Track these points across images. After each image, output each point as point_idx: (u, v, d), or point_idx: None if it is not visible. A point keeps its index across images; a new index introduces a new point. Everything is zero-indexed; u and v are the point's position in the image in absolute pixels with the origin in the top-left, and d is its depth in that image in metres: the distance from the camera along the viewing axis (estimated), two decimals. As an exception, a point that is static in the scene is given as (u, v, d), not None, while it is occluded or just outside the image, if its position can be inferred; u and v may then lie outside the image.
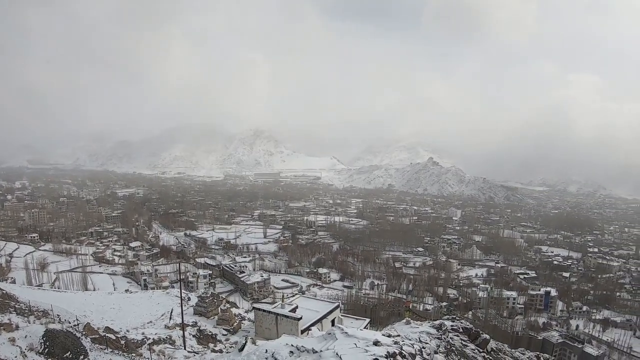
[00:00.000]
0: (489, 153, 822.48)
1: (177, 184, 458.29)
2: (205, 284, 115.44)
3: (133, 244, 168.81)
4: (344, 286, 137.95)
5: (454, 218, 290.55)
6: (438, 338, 27.04)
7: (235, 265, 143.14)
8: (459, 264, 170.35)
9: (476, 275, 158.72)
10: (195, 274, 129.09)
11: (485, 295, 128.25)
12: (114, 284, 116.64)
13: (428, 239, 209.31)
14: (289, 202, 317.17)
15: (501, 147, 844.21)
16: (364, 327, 33.13)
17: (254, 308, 36.69)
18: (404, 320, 29.94)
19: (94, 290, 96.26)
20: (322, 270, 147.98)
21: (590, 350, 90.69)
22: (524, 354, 49.69)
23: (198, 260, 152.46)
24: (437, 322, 31.78)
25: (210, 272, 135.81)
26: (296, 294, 79.25)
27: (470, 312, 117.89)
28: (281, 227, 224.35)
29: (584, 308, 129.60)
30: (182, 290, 38.20)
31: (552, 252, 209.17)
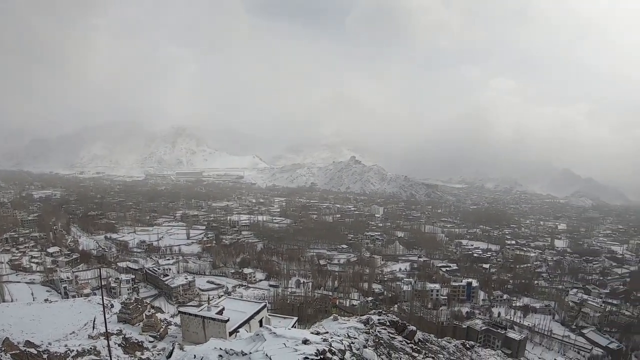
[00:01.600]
0: (411, 152, 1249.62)
1: (97, 185, 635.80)
2: (128, 290, 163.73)
3: (51, 250, 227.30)
4: (270, 285, 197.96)
5: (376, 215, 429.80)
6: (366, 332, 41.51)
7: (159, 269, 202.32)
8: (382, 260, 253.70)
9: (400, 269, 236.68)
10: (118, 279, 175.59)
11: (409, 289, 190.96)
12: (32, 294, 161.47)
13: (352, 236, 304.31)
14: (211, 202, 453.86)
15: (423, 147, 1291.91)
16: (292, 326, 49.62)
17: (179, 312, 51.19)
18: (332, 317, 45.62)
19: (12, 301, 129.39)
20: (247, 271, 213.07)
21: (513, 335, 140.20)
22: (450, 342, 79.24)
23: (120, 264, 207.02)
24: (364, 317, 48.08)
25: (133, 276, 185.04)
26: (222, 295, 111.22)
27: (396, 306, 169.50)
28: (204, 227, 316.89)
29: (505, 296, 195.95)
30: (105, 297, 50.71)
31: (472, 245, 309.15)
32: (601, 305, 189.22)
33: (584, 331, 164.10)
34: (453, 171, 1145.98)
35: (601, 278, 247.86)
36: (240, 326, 44.61)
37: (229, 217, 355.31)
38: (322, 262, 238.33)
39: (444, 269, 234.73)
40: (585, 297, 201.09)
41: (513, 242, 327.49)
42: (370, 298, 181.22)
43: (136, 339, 51.03)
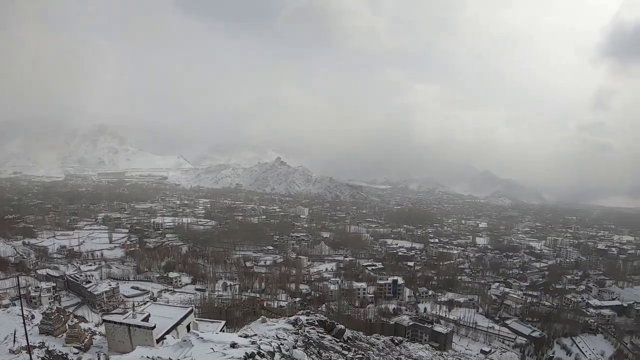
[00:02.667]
0: (336, 153, 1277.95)
1: (13, 186, 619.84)
2: (49, 299, 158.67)
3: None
4: (197, 289, 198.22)
5: (301, 216, 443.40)
6: (295, 333, 42.44)
7: (81, 275, 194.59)
8: (309, 260, 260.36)
9: (326, 269, 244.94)
10: (38, 287, 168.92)
11: (336, 288, 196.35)
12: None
13: (277, 237, 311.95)
14: (134, 204, 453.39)
15: (348, 148, 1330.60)
16: (220, 330, 49.82)
17: (104, 321, 50.53)
18: (260, 319, 46.15)
19: None
20: (172, 275, 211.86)
21: (440, 328, 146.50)
22: (379, 339, 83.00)
23: (40, 272, 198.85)
24: (293, 317, 49.00)
25: (54, 284, 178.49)
26: (147, 301, 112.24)
27: (324, 305, 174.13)
28: (127, 230, 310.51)
29: (430, 292, 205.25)
30: (25, 308, 49.14)
31: (397, 244, 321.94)
32: (522, 297, 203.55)
33: (508, 322, 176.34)
34: (377, 172, 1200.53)
35: (521, 272, 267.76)
36: (167, 332, 44.37)
37: (152, 220, 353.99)
38: (248, 264, 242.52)
39: (369, 268, 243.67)
40: (507, 290, 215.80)
41: (436, 240, 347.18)
42: (298, 299, 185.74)
43: (60, 352, 47.95)
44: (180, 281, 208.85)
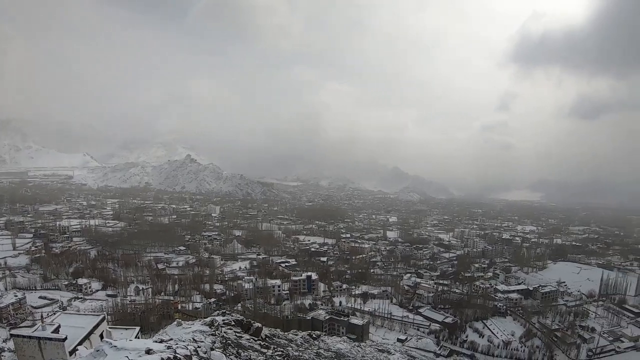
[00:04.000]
0: (248, 151, 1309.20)
1: None
2: None
3: None
4: (108, 295, 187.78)
5: (213, 215, 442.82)
6: (212, 334, 41.64)
7: None
8: (222, 259, 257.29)
9: (240, 268, 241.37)
10: None
11: (251, 287, 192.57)
12: None
13: (189, 237, 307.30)
14: (38, 206, 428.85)
15: (259, 145, 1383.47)
16: (135, 337, 48.25)
17: (12, 335, 46.47)
18: (175, 322, 44.18)
19: None
20: (82, 281, 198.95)
21: (356, 321, 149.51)
22: (297, 335, 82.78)
23: None
24: (209, 319, 47.94)
25: None
26: (57, 311, 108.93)
27: (240, 304, 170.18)
28: (32, 235, 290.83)
29: (344, 286, 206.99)
30: None
31: (309, 240, 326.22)
32: (434, 286, 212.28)
33: (421, 310, 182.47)
34: (289, 170, 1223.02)
35: (431, 263, 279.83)
36: (80, 343, 41.52)
37: (58, 223, 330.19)
38: (160, 265, 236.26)
39: (283, 265, 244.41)
40: (419, 280, 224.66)
41: (348, 235, 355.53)
42: (213, 299, 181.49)
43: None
44: (90, 288, 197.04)
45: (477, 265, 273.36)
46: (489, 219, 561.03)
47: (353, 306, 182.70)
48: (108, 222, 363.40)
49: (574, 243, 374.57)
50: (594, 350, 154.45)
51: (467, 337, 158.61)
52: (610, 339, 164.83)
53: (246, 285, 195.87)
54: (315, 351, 68.59)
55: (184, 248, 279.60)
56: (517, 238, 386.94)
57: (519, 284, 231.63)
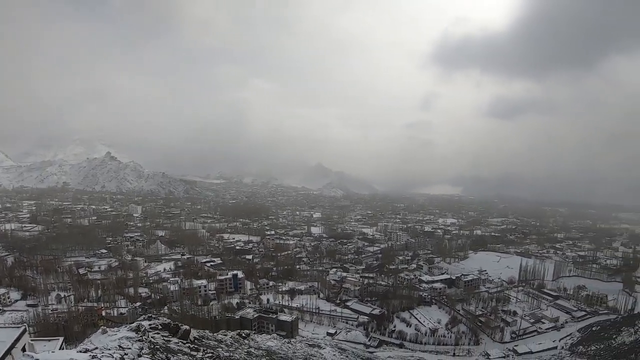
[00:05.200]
0: (170, 148, 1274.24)
1: None
2: None
3: None
4: (28, 305, 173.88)
5: (134, 215, 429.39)
6: (139, 340, 40.98)
7: None
8: (145, 261, 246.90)
9: (165, 269, 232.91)
10: None
11: (177, 288, 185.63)
12: None
13: (110, 239, 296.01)
14: None
15: (182, 142, 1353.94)
16: (59, 348, 47.01)
17: None
18: (100, 330, 43.32)
19: None
20: None
21: (285, 317, 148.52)
22: (226, 335, 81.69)
23: None
24: (134, 324, 47.78)
25: None
26: None
27: (166, 307, 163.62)
28: None
29: (271, 283, 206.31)
30: None
31: (234, 238, 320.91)
32: (359, 280, 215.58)
33: (348, 304, 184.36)
34: (212, 167, 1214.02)
35: (356, 257, 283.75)
36: (1, 359, 40.18)
37: None
38: (82, 270, 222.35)
39: (208, 264, 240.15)
40: (345, 274, 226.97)
41: (272, 232, 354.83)
42: (138, 303, 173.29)
43: None
44: (9, 298, 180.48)
45: (401, 257, 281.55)
46: (411, 213, 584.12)
47: (281, 303, 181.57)
48: (25, 226, 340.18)
49: (493, 234, 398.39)
50: (517, 332, 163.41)
51: (395, 327, 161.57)
52: (532, 321, 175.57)
53: (172, 287, 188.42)
54: (245, 350, 68.91)
55: (106, 251, 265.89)
56: (438, 230, 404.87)
57: (443, 273, 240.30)
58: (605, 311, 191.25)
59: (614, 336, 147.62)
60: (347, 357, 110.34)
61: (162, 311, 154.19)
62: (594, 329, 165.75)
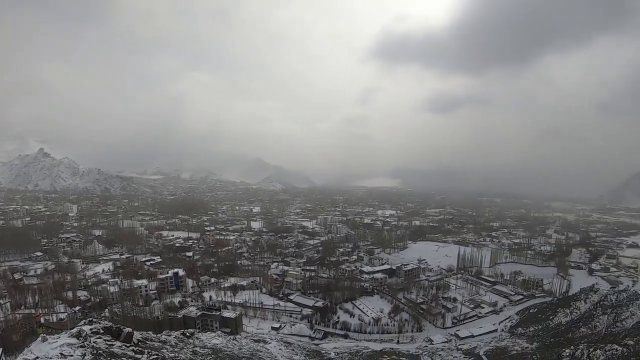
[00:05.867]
0: (105, 143, 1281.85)
1: None
2: None
3: None
4: None
5: (70, 214, 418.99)
6: (81, 346, 40.21)
7: None
8: (83, 263, 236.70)
9: (103, 270, 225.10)
10: None
11: (117, 289, 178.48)
12: None
13: (46, 240, 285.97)
14: None
15: (118, 137, 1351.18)
16: None
17: None
18: (40, 338, 41.61)
19: None
20: None
21: (228, 314, 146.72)
22: (170, 335, 79.79)
23: None
24: (75, 329, 46.58)
25: None
26: None
27: (107, 310, 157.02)
28: None
29: (212, 280, 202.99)
30: None
31: (173, 235, 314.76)
32: (301, 273, 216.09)
33: (291, 297, 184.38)
34: (148, 162, 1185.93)
35: (297, 250, 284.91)
36: None
37: None
38: (17, 275, 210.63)
39: (148, 263, 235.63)
40: (286, 268, 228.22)
41: (212, 228, 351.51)
42: (77, 307, 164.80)
43: None
44: None
45: (341, 249, 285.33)
46: (350, 205, 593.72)
47: (224, 299, 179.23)
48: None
49: (431, 224, 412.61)
50: (458, 317, 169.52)
51: (338, 318, 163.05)
52: (472, 306, 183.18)
53: (111, 289, 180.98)
54: (191, 350, 69.06)
55: (41, 253, 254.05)
56: (378, 222, 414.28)
57: (383, 264, 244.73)
58: (542, 294, 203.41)
59: (551, 317, 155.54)
60: (293, 350, 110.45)
61: (102, 314, 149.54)
62: (531, 311, 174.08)
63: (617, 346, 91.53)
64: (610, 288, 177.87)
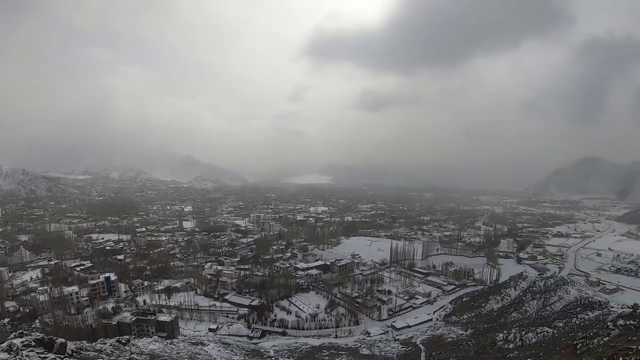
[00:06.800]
0: (30, 141, 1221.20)
1: None
2: None
3: None
4: None
5: None
6: None
7: None
8: (10, 271, 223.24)
9: (31, 278, 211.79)
10: None
11: (47, 298, 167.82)
12: None
13: None
14: None
15: (44, 134, 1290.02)
16: None
17: None
18: None
19: None
20: None
21: (164, 318, 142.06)
22: (105, 343, 76.33)
23: None
24: (5, 343, 44.27)
25: None
26: None
27: (37, 320, 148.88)
28: None
29: (146, 283, 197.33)
30: None
31: (103, 238, 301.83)
32: (236, 272, 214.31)
33: (227, 297, 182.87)
34: (76, 161, 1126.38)
35: (231, 249, 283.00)
36: None
37: None
38: None
39: (78, 269, 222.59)
40: (220, 268, 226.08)
41: (143, 229, 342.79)
42: (6, 319, 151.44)
43: None
44: None
45: (275, 247, 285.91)
46: (282, 203, 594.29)
47: (158, 303, 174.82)
48: None
49: (363, 219, 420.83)
50: (393, 309, 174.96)
51: (275, 316, 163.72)
52: (406, 297, 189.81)
53: (41, 297, 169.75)
54: (127, 357, 66.75)
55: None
56: (310, 218, 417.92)
57: (317, 260, 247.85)
58: (473, 283, 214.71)
59: (483, 304, 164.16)
60: (232, 351, 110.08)
61: (33, 325, 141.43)
62: (464, 299, 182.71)
63: (547, 328, 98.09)
64: (538, 275, 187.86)
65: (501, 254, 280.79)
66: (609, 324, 70.57)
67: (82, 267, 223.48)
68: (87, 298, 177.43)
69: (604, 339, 61.69)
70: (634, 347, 42.44)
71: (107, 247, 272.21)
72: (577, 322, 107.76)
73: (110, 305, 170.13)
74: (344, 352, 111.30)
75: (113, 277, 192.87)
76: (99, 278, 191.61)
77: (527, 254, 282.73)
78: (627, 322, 66.47)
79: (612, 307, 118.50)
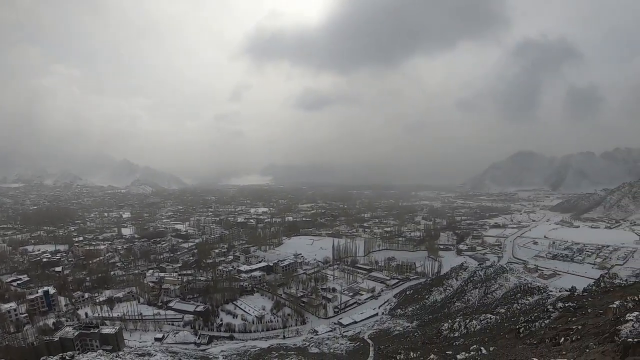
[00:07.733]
0: None
1: None
2: None
3: None
4: None
5: None
6: None
7: None
8: None
9: None
10: None
11: None
12: None
13: None
14: None
15: None
16: None
17: None
18: None
19: None
20: None
21: (107, 330, 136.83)
22: None
23: None
24: None
25: None
26: None
27: None
28: None
29: (86, 295, 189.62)
30: None
31: (39, 249, 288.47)
32: (178, 278, 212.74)
33: (171, 304, 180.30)
34: (7, 169, 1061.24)
35: (172, 255, 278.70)
36: None
37: None
38: None
39: (15, 283, 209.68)
40: (162, 274, 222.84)
41: (81, 238, 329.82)
42: None
43: None
44: None
45: (217, 250, 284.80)
46: (222, 205, 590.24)
47: (101, 315, 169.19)
48: None
49: (304, 219, 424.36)
50: (339, 306, 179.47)
51: (222, 320, 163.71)
52: (351, 294, 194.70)
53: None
54: None
55: None
56: (251, 220, 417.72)
57: (260, 262, 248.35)
58: (416, 276, 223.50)
59: (427, 296, 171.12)
60: (180, 359, 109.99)
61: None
62: (407, 293, 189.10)
63: (490, 315, 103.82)
64: (478, 265, 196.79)
65: (441, 246, 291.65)
66: (548, 307, 76.17)
67: (18, 282, 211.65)
68: (27, 314, 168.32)
69: (545, 322, 66.04)
70: (574, 327, 45.85)
71: (44, 259, 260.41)
72: (519, 307, 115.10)
73: (51, 321, 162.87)
74: (293, 352, 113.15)
75: (52, 290, 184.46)
76: (37, 292, 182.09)
77: (467, 245, 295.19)
78: (566, 305, 71.77)
79: (551, 291, 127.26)
